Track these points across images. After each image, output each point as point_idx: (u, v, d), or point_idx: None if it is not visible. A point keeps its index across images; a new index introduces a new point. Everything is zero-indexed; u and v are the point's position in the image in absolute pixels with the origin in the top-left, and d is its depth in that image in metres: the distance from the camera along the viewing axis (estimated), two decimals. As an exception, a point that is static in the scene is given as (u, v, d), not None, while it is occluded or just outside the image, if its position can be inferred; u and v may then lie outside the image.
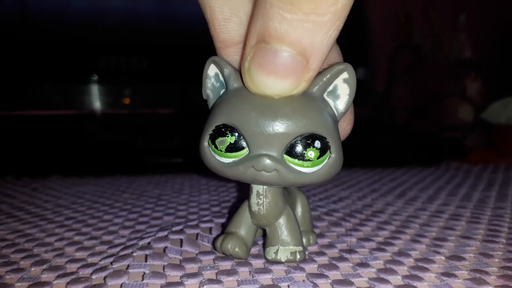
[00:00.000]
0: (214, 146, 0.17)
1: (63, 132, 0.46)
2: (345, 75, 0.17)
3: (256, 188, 0.18)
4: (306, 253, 0.20)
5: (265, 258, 0.19)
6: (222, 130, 0.16)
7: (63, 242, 0.22)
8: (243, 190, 0.33)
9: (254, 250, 0.21)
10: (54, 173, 0.40)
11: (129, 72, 0.52)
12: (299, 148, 0.16)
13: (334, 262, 0.19)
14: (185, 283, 0.17)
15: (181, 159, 0.42)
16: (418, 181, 0.39)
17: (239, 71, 0.18)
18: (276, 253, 0.19)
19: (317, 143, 0.16)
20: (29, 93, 0.51)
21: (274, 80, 0.15)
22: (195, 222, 0.24)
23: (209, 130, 0.17)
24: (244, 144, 0.16)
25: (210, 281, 0.17)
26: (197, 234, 0.22)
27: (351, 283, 0.17)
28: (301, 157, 0.16)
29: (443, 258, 0.20)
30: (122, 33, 0.53)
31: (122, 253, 0.20)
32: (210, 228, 0.23)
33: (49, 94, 0.51)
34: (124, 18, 0.53)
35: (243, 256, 0.19)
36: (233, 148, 0.16)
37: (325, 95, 0.17)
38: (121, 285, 0.17)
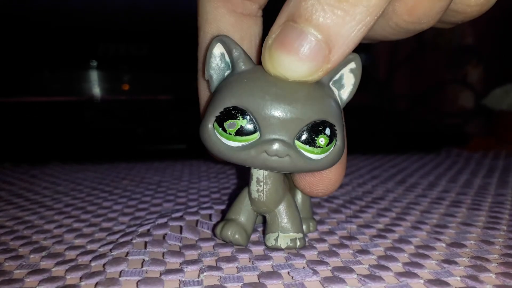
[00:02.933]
0: (222, 129, 0.16)
1: (62, 119, 0.46)
2: (352, 65, 0.17)
3: (256, 175, 0.18)
4: (306, 240, 0.20)
5: (265, 245, 0.19)
6: (232, 113, 0.16)
7: (62, 229, 0.22)
8: (243, 177, 0.33)
9: (254, 236, 0.21)
10: (53, 159, 0.40)
11: (128, 58, 0.51)
12: (311, 135, 0.16)
13: (334, 249, 0.19)
14: (185, 270, 0.17)
15: (181, 145, 0.42)
16: (419, 167, 0.39)
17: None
18: (276, 240, 0.19)
19: (328, 130, 0.16)
20: (27, 79, 0.51)
21: (292, 61, 0.15)
22: (194, 209, 0.24)
23: (216, 112, 0.16)
24: (255, 127, 0.16)
25: (210, 268, 0.17)
26: (197, 220, 0.22)
27: (352, 270, 0.17)
28: (312, 143, 0.16)
29: (443, 245, 0.20)
30: (122, 19, 0.52)
31: (121, 240, 0.20)
32: (210, 215, 0.23)
33: (48, 80, 0.51)
34: (123, 3, 0.52)
35: (243, 243, 0.19)
36: (244, 131, 0.16)
37: (330, 84, 0.17)
38: (120, 272, 0.16)
